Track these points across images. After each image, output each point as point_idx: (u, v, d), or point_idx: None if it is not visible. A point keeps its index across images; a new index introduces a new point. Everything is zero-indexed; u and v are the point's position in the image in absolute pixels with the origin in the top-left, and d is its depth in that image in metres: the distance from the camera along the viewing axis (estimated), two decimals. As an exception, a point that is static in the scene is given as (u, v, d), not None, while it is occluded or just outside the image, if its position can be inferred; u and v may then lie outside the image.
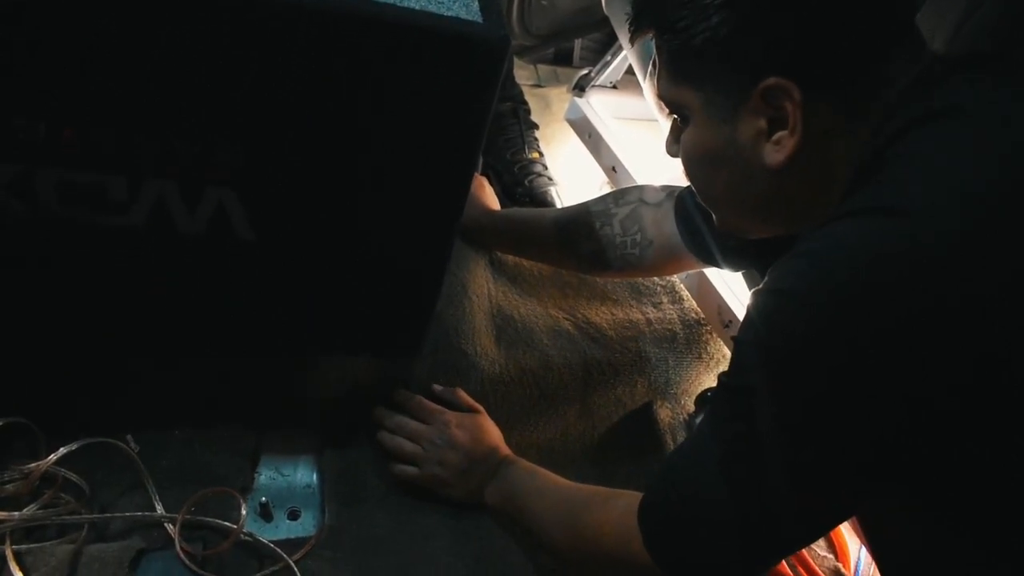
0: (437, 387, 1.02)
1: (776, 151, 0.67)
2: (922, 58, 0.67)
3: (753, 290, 0.67)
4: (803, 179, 0.69)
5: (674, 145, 0.79)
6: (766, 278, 0.65)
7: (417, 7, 0.69)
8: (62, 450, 0.80)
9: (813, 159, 0.67)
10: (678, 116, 0.76)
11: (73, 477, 0.82)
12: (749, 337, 0.65)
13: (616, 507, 0.78)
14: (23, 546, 0.76)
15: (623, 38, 1.43)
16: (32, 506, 0.79)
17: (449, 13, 0.70)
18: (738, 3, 0.65)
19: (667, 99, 0.75)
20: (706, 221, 0.98)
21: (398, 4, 0.68)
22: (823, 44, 0.64)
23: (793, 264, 0.62)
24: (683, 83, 0.72)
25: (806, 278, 0.60)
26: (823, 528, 0.70)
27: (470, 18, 0.71)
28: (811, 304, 0.59)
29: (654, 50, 0.75)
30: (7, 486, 0.79)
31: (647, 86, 1.29)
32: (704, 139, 0.72)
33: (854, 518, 0.81)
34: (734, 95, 0.68)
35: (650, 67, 0.79)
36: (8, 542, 0.76)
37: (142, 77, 0.67)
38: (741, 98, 0.67)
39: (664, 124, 0.79)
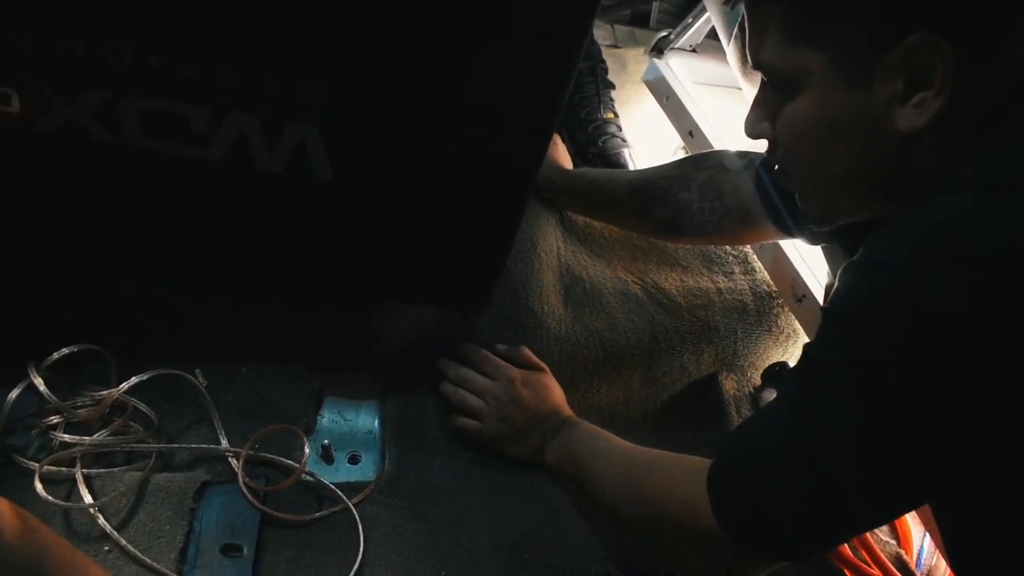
0: (501, 346, 1.01)
1: (916, 115, 0.62)
2: None
3: (846, 262, 0.64)
4: (932, 150, 0.63)
5: (759, 124, 0.73)
6: (861, 250, 0.62)
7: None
8: (133, 379, 0.82)
9: (949, 127, 0.62)
10: (784, 86, 0.69)
11: (142, 407, 0.84)
12: (834, 308, 0.63)
13: (682, 472, 0.76)
14: (92, 470, 0.78)
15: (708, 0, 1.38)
16: (102, 432, 0.80)
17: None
18: None
19: (775, 67, 0.69)
20: (787, 192, 0.95)
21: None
22: None
23: (894, 236, 0.60)
24: (803, 45, 0.65)
25: (908, 250, 0.58)
26: (892, 511, 0.68)
27: (561, -31, 0.68)
28: (896, 275, 0.57)
29: (742, 13, 0.70)
30: (79, 411, 0.81)
31: (731, 51, 1.25)
32: (825, 108, 0.66)
33: (925, 507, 0.78)
34: (870, 55, 0.62)
35: (736, 32, 0.73)
36: (78, 465, 0.77)
37: (229, 7, 0.67)
38: (877, 58, 0.62)
39: (749, 92, 0.73)
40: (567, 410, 0.96)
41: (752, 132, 0.75)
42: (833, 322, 0.63)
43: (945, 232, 0.56)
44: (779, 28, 0.67)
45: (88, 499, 0.75)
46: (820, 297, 1.13)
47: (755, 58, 0.71)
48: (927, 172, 0.64)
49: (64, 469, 0.77)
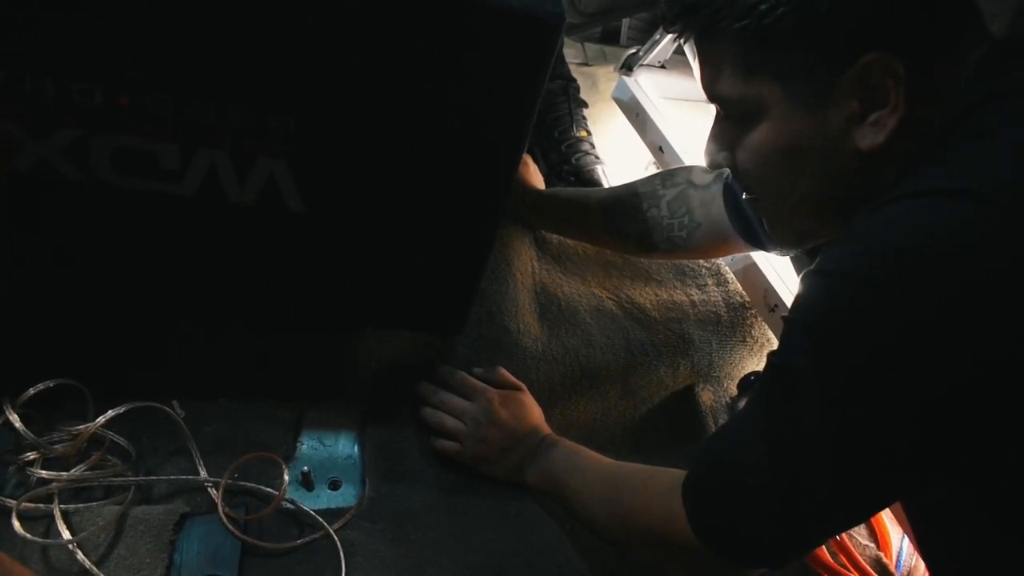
0: (478, 369, 1.02)
1: (875, 132, 0.64)
2: (985, 39, 0.65)
3: (804, 271, 0.66)
4: (890, 163, 0.65)
5: (719, 155, 0.75)
6: (818, 259, 0.64)
7: (473, -19, 0.68)
8: (110, 413, 0.82)
9: (904, 140, 0.64)
10: (742, 117, 0.71)
11: (120, 440, 0.83)
12: (798, 317, 0.64)
13: (659, 485, 0.78)
14: (71, 506, 0.78)
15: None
16: (80, 467, 0.80)
17: (505, -13, 0.69)
18: None
19: (733, 100, 0.70)
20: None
21: (454, -22, 0.67)
22: (919, 13, 0.62)
23: (847, 245, 0.61)
24: (758, 76, 0.67)
25: (860, 258, 0.60)
26: (865, 513, 0.69)
27: (526, -7, 0.70)
28: (863, 285, 0.59)
29: (696, 51, 0.71)
30: (56, 446, 0.81)
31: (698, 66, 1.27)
32: (785, 134, 0.68)
33: (899, 508, 0.79)
34: (825, 78, 0.64)
35: (696, 68, 0.74)
36: (56, 501, 0.77)
37: (198, 46, 0.68)
38: (833, 80, 0.64)
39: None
40: (546, 428, 0.97)
41: (712, 164, 0.77)
42: (796, 330, 0.64)
43: (894, 240, 0.58)
44: (733, 62, 0.68)
45: (67, 535, 0.75)
46: (792, 306, 1.14)
47: (710, 92, 0.72)
48: (887, 185, 0.65)
49: (42, 505, 0.77)
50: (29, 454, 0.80)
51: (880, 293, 0.58)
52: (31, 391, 0.81)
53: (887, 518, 1.15)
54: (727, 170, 1.03)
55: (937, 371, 0.57)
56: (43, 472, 0.78)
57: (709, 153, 0.77)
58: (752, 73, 0.67)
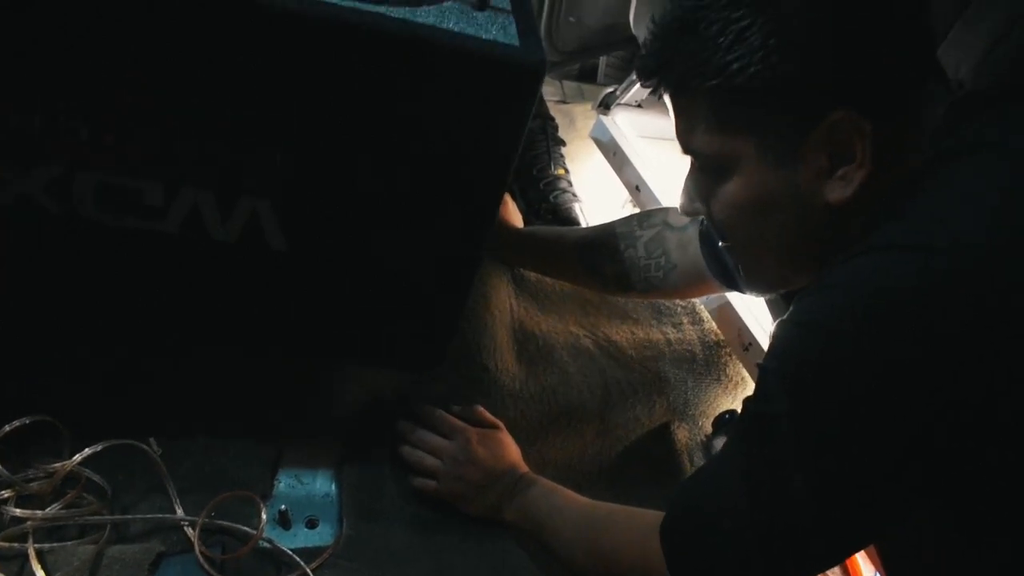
0: (456, 407, 1.02)
1: (843, 187, 0.66)
2: (948, 92, 0.68)
3: (778, 320, 0.68)
4: (857, 215, 0.67)
5: (693, 204, 0.77)
6: (791, 309, 0.66)
7: (456, 29, 0.69)
8: (87, 451, 0.81)
9: (870, 193, 0.66)
10: (716, 170, 0.72)
11: (96, 478, 0.83)
12: (774, 366, 0.66)
13: (637, 526, 0.78)
14: (45, 545, 0.77)
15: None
16: (55, 505, 0.80)
17: (487, 36, 0.70)
18: (796, 38, 0.63)
19: (706, 153, 0.72)
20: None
21: (437, 26, 0.69)
22: (883, 73, 0.64)
23: (817, 298, 0.64)
24: (732, 132, 0.69)
25: (828, 312, 0.62)
26: (845, 552, 0.71)
27: (508, 41, 0.71)
28: (835, 334, 0.61)
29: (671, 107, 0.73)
30: (31, 484, 0.80)
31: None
32: (757, 187, 0.69)
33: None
34: (795, 135, 0.66)
35: (672, 119, 0.76)
36: (31, 541, 0.76)
37: (183, 86, 0.69)
38: (803, 137, 0.66)
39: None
40: (523, 466, 0.97)
41: (687, 212, 0.79)
42: (771, 377, 0.66)
43: (860, 293, 0.61)
44: (706, 117, 0.70)
45: (42, 575, 0.74)
46: (766, 345, 1.16)
47: (685, 145, 0.74)
48: (856, 237, 0.67)
49: (16, 545, 0.76)
50: (3, 492, 0.79)
51: (846, 345, 0.60)
52: (6, 428, 0.80)
53: (859, 555, 1.16)
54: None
55: (905, 416, 0.59)
56: (17, 511, 0.77)
57: (684, 202, 0.78)
58: (725, 128, 0.69)
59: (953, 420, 0.58)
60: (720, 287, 1.06)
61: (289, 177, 0.75)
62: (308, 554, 0.85)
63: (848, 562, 1.18)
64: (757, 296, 1.06)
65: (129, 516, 0.82)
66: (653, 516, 0.77)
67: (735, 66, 0.65)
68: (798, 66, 0.64)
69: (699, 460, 1.21)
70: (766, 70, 0.64)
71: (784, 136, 0.67)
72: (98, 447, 0.82)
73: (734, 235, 0.75)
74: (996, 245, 0.58)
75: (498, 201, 0.83)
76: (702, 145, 0.72)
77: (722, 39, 0.65)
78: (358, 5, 0.67)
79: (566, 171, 1.53)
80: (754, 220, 0.72)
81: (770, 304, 1.10)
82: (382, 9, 0.68)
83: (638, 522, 0.79)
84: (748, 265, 0.79)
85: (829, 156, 0.66)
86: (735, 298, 1.23)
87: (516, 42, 0.72)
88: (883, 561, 0.79)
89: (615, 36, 1.69)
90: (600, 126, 1.58)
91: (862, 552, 1.13)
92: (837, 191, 0.66)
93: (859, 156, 0.65)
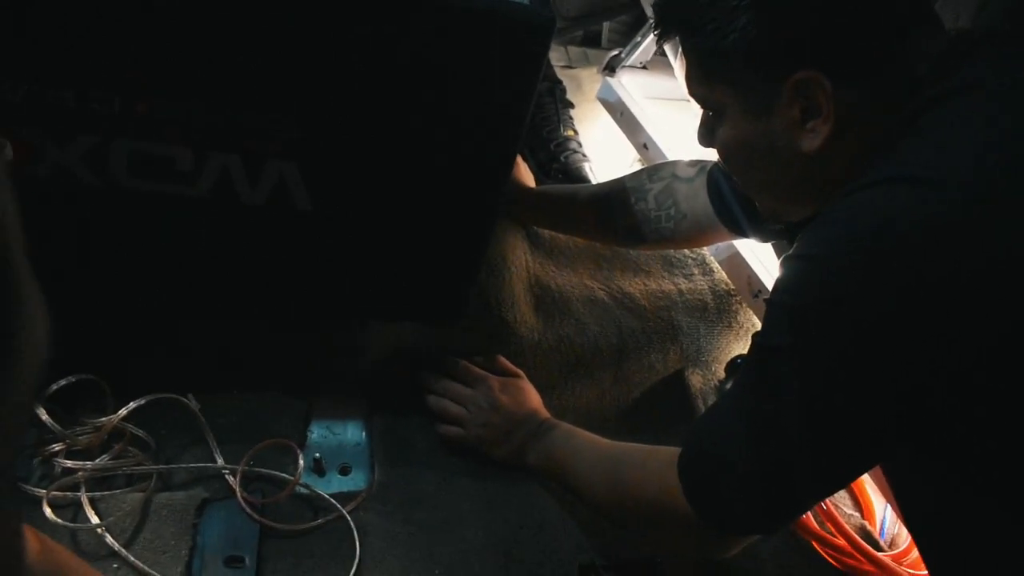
0: (478, 358, 1.06)
1: (812, 138, 0.71)
2: (942, 39, 0.70)
3: (783, 256, 0.71)
4: (836, 161, 0.72)
5: (707, 137, 0.82)
6: (796, 244, 0.69)
7: (467, -11, 0.73)
8: (132, 405, 0.86)
9: (846, 141, 0.71)
10: (712, 112, 0.79)
11: (139, 432, 0.87)
12: (778, 299, 0.70)
13: (655, 463, 0.82)
14: (96, 493, 0.82)
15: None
16: (103, 457, 0.84)
17: (496, -5, 0.74)
18: (764, 3, 0.69)
19: (699, 97, 0.79)
20: (736, 195, 1.02)
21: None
22: (846, 34, 0.68)
23: (819, 231, 0.67)
24: (715, 82, 0.75)
25: (831, 243, 0.65)
26: (840, 483, 0.75)
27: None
28: (835, 267, 0.64)
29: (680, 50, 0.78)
30: (80, 438, 0.84)
31: (678, 66, 1.32)
32: (740, 134, 0.76)
33: (882, 478, 0.84)
34: (766, 91, 0.71)
35: (677, 66, 0.82)
36: (83, 489, 0.81)
37: (211, 54, 0.72)
38: (773, 93, 0.71)
39: (697, 110, 0.82)
40: (544, 412, 1.01)
41: (702, 144, 0.84)
42: (777, 311, 0.69)
43: (857, 226, 0.64)
44: (694, 66, 0.77)
45: (95, 520, 0.79)
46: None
47: (687, 89, 0.80)
48: (838, 178, 0.72)
49: (69, 494, 0.81)
50: (54, 446, 0.84)
51: (846, 278, 0.63)
52: (54, 386, 0.84)
53: (871, 489, 1.20)
54: (709, 162, 1.09)
55: (900, 350, 0.62)
56: (69, 462, 0.82)
57: (699, 135, 0.84)
58: (710, 78, 0.76)
59: (953, 361, 0.61)
60: (728, 234, 1.09)
61: (312, 140, 0.79)
62: (343, 498, 0.89)
63: (859, 492, 1.22)
64: (763, 241, 1.10)
65: (173, 465, 0.87)
66: (669, 452, 0.80)
67: (710, 27, 0.71)
68: (765, 30, 0.69)
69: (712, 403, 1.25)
70: (737, 32, 0.70)
71: (759, 91, 0.72)
72: (141, 401, 0.86)
73: (734, 172, 0.82)
74: (984, 179, 0.61)
75: (512, 156, 0.87)
76: (694, 91, 0.79)
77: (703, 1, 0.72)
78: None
79: (575, 132, 1.55)
80: (743, 161, 0.79)
81: (777, 248, 1.13)
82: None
83: (655, 458, 0.83)
84: (753, 197, 0.85)
85: (801, 110, 0.71)
86: (744, 247, 1.26)
87: (525, 0, 0.75)
88: (897, 504, 0.83)
89: (617, 1, 1.72)
90: (607, 87, 1.60)
91: (872, 484, 1.17)
92: (807, 142, 0.71)
93: (824, 111, 0.69)
